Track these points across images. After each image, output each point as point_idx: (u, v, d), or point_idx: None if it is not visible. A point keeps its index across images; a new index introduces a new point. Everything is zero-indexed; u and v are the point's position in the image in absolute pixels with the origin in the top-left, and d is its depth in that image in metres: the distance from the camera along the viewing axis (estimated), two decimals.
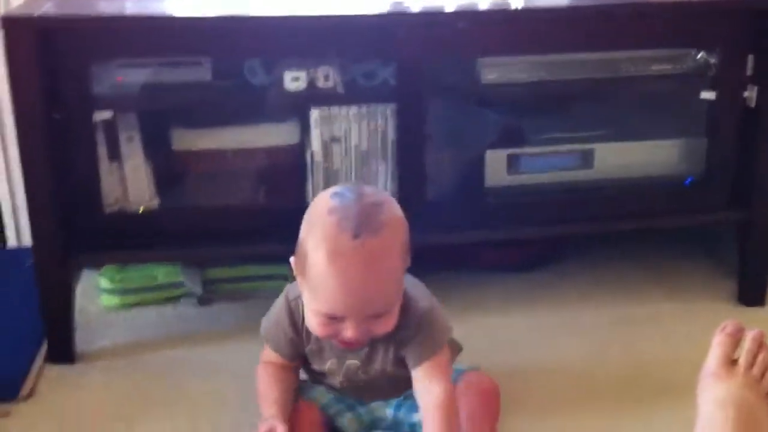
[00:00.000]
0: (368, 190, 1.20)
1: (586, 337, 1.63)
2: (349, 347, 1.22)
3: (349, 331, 1.16)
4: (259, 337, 1.33)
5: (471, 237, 1.63)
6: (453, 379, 1.27)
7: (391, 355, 1.25)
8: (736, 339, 1.18)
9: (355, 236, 1.12)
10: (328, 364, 1.28)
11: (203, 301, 1.75)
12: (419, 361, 1.24)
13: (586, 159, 1.64)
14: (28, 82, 1.39)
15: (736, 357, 1.17)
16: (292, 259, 1.21)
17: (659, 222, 1.71)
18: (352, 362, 1.27)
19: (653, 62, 1.58)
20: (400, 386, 1.30)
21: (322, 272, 1.13)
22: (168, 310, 1.74)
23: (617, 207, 1.66)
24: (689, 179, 1.67)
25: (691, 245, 1.97)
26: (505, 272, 1.85)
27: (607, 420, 1.39)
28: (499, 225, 1.62)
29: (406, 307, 1.23)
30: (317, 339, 1.26)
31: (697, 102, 1.62)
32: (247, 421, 1.38)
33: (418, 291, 1.27)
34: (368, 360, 1.26)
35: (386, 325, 1.19)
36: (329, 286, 1.13)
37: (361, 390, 1.31)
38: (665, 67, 1.59)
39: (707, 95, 1.60)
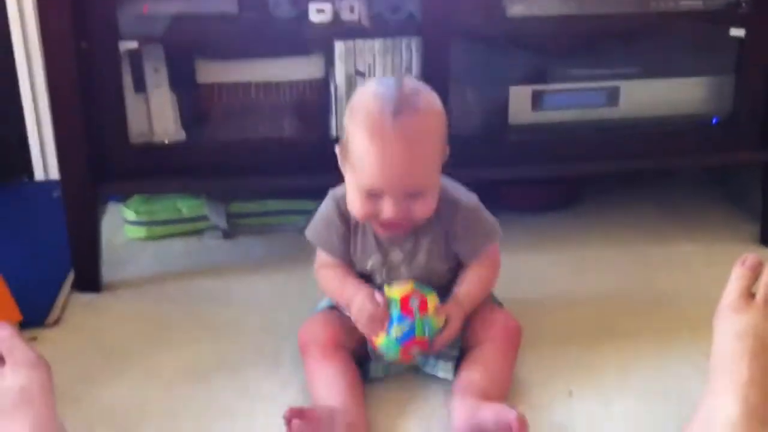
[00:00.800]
0: (409, 80, 1.27)
1: (607, 274, 1.63)
2: (390, 230, 1.26)
3: (387, 209, 1.21)
4: (307, 244, 1.36)
5: (494, 174, 1.62)
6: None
7: (436, 248, 1.30)
8: (755, 272, 1.18)
9: (395, 113, 1.19)
10: (371, 262, 1.31)
11: (227, 234, 1.77)
12: (474, 255, 1.32)
13: (612, 97, 1.62)
14: (56, 9, 1.39)
15: (754, 291, 1.18)
16: (336, 148, 1.28)
17: (684, 161, 1.70)
18: (396, 256, 1.30)
19: None
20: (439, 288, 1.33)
21: (363, 146, 1.20)
22: (192, 242, 1.76)
23: (642, 146, 1.64)
24: (716, 118, 1.65)
25: (713, 187, 1.96)
26: (527, 212, 1.85)
27: (624, 351, 1.40)
28: (523, 163, 1.62)
29: (452, 201, 1.29)
30: (362, 233, 1.30)
31: (726, 39, 1.59)
32: (268, 349, 1.41)
33: (462, 190, 1.32)
34: (412, 253, 1.30)
35: (424, 207, 1.23)
36: (370, 157, 1.19)
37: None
38: (695, 3, 1.56)
39: (737, 32, 1.57)
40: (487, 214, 1.33)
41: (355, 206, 1.25)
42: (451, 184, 1.32)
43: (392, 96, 1.21)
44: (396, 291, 1.26)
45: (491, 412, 1.18)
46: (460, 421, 1.20)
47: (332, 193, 1.33)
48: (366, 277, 1.33)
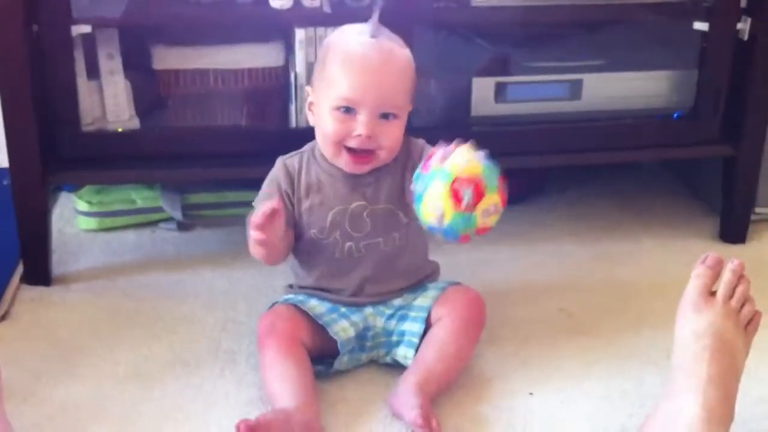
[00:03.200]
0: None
1: (569, 269, 1.63)
2: (358, 161, 1.28)
3: (360, 126, 1.25)
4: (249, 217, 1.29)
5: None
6: (436, 294, 1.34)
7: (396, 190, 1.31)
8: (715, 271, 1.18)
9: (373, 36, 1.27)
10: (331, 215, 1.31)
11: (182, 226, 1.73)
12: None
13: (575, 89, 1.61)
14: None
15: (715, 289, 1.18)
16: (307, 88, 1.35)
17: (646, 155, 1.70)
18: (358, 204, 1.31)
19: None
20: (396, 263, 1.34)
21: (341, 62, 1.26)
22: (146, 234, 1.72)
23: (604, 139, 1.64)
24: (678, 113, 1.65)
25: (675, 182, 1.96)
26: None
27: (586, 349, 1.40)
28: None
29: (408, 142, 1.34)
30: (318, 189, 1.32)
31: (689, 33, 1.59)
32: (224, 346, 1.38)
33: None
34: (373, 198, 1.31)
35: (392, 134, 1.28)
36: (348, 70, 1.25)
37: (358, 268, 1.33)
38: None
39: (700, 26, 1.57)
40: None
41: (328, 132, 1.27)
42: None
43: (370, 26, 1.28)
44: (456, 167, 1.12)
45: (398, 403, 1.22)
46: (390, 399, 1.24)
47: (280, 157, 1.35)
48: (323, 240, 1.32)
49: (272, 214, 1.20)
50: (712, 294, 1.17)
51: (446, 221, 1.12)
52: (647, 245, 1.72)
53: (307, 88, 1.34)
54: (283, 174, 1.33)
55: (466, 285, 1.38)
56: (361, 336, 1.32)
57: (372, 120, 1.25)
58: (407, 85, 1.30)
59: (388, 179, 1.32)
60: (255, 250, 1.28)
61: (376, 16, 1.29)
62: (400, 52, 1.29)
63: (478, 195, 1.12)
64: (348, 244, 1.32)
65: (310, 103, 1.32)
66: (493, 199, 1.13)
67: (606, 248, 1.70)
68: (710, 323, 1.14)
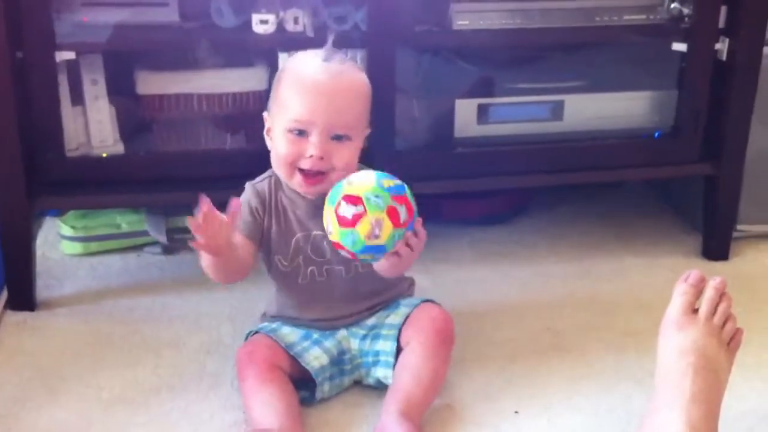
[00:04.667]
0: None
1: (553, 288, 1.64)
2: (310, 182, 1.27)
3: (312, 147, 1.25)
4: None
5: (440, 187, 1.62)
6: (408, 312, 1.34)
7: None
8: (698, 289, 1.19)
9: (326, 60, 1.29)
10: (294, 242, 1.32)
11: (167, 250, 1.73)
12: None
13: (556, 110, 1.63)
14: None
15: (697, 306, 1.18)
16: (264, 114, 1.34)
17: (628, 174, 1.71)
18: (317, 232, 1.30)
19: (626, 12, 1.56)
20: (359, 286, 1.34)
21: (294, 85, 1.27)
22: (131, 258, 1.72)
23: (586, 159, 1.65)
24: (658, 132, 1.67)
25: (657, 200, 1.98)
26: (471, 225, 1.85)
27: (571, 367, 1.40)
28: (469, 176, 1.61)
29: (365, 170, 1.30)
30: (284, 215, 1.33)
31: (668, 54, 1.61)
32: (209, 369, 1.38)
33: None
34: None
35: (346, 155, 1.27)
36: (300, 92, 1.26)
37: (322, 293, 1.33)
38: (638, 17, 1.57)
39: (679, 47, 1.59)
40: None
41: (280, 153, 1.28)
42: None
43: (324, 51, 1.30)
44: (345, 188, 1.18)
45: None
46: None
47: (249, 182, 1.36)
48: (287, 268, 1.33)
49: (209, 212, 1.17)
50: (695, 311, 1.18)
51: (333, 237, 1.18)
52: (630, 263, 1.73)
53: (264, 114, 1.34)
54: (253, 194, 1.34)
55: (435, 302, 1.37)
56: (338, 361, 1.32)
57: (323, 141, 1.26)
58: (360, 107, 1.30)
59: None
60: (202, 260, 1.26)
61: (330, 41, 1.30)
62: (352, 74, 1.30)
63: (358, 214, 1.16)
64: (310, 268, 1.33)
65: (268, 129, 1.33)
66: (376, 216, 1.16)
67: (590, 266, 1.71)
68: (693, 340, 1.15)
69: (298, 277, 1.33)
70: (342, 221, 1.16)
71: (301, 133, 1.26)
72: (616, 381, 1.37)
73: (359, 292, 1.35)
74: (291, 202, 1.33)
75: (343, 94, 1.27)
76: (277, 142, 1.29)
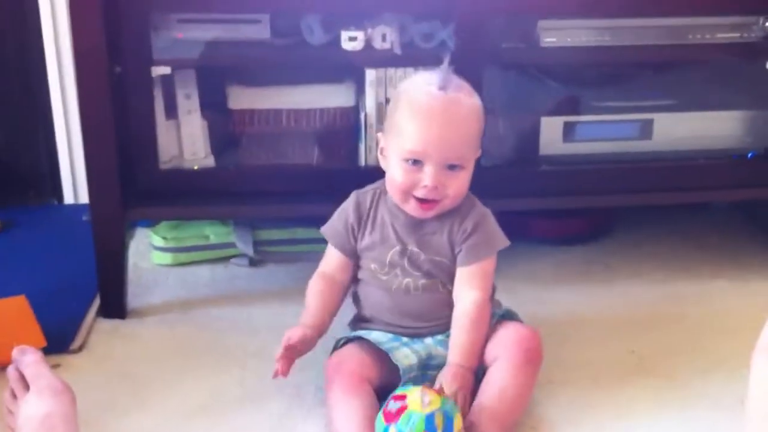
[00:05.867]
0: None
1: (638, 310, 1.61)
2: (424, 208, 1.31)
3: (427, 177, 1.28)
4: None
5: (524, 205, 1.61)
6: (492, 322, 1.34)
7: (448, 240, 1.34)
8: None
9: (441, 88, 1.29)
10: (390, 254, 1.34)
11: (254, 262, 1.76)
12: (469, 260, 1.33)
13: (645, 129, 1.60)
14: (90, 33, 1.40)
15: None
16: (378, 134, 1.39)
17: (718, 196, 1.68)
18: (413, 245, 1.34)
19: (719, 30, 1.53)
20: (446, 307, 1.34)
21: (410, 114, 1.29)
22: (219, 269, 1.75)
23: (675, 180, 1.62)
24: (752, 153, 1.63)
25: (746, 222, 1.93)
26: (555, 244, 1.83)
27: (657, 392, 1.37)
28: (553, 194, 1.60)
29: (471, 202, 1.36)
30: (381, 227, 1.35)
31: (762, 72, 1.57)
32: (292, 381, 1.39)
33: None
34: (428, 246, 1.34)
35: (458, 184, 1.30)
36: (416, 123, 1.28)
37: (412, 307, 1.35)
38: (731, 35, 1.54)
39: None
40: (495, 223, 1.37)
41: (396, 180, 1.31)
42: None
43: (440, 75, 1.31)
44: (418, 404, 1.16)
45: None
46: None
47: (356, 191, 1.40)
48: (382, 275, 1.35)
49: (290, 349, 1.28)
50: None
51: None
52: (719, 286, 1.69)
53: (378, 135, 1.38)
54: (353, 207, 1.37)
55: (520, 320, 1.37)
56: (425, 365, 1.32)
57: (438, 172, 1.28)
58: (474, 136, 1.32)
59: (445, 234, 1.34)
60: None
61: (445, 64, 1.32)
62: (467, 102, 1.31)
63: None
64: (406, 280, 1.35)
65: (381, 149, 1.35)
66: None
67: (675, 289, 1.68)
68: None
69: (393, 284, 1.35)
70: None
71: (416, 162, 1.29)
72: (702, 407, 1.34)
73: (451, 305, 1.35)
74: (392, 216, 1.35)
75: (457, 125, 1.29)
76: (392, 169, 1.32)
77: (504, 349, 1.30)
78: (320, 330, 1.34)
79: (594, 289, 1.68)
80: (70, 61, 1.85)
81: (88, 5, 1.38)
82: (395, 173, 1.31)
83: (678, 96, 1.63)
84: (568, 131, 1.59)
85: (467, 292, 1.33)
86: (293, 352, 1.28)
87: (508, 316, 1.38)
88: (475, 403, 1.26)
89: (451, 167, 1.29)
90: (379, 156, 1.36)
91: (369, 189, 1.39)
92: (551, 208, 1.68)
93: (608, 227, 1.88)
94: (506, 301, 1.43)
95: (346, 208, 1.38)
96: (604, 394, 1.37)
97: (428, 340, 1.35)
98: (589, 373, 1.42)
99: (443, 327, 1.35)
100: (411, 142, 1.28)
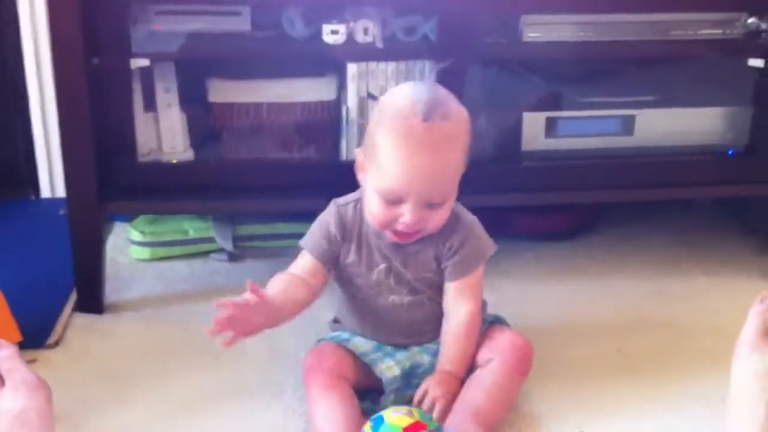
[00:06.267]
0: (440, 87, 1.27)
1: (622, 308, 1.61)
2: (402, 239, 1.25)
3: (407, 215, 1.21)
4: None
5: (506, 201, 1.61)
6: (481, 329, 1.32)
7: (434, 257, 1.29)
8: None
9: (425, 119, 1.19)
10: (376, 273, 1.30)
11: (233, 257, 1.75)
12: (457, 276, 1.30)
13: (627, 125, 1.60)
14: (68, 25, 1.38)
15: None
16: (357, 150, 1.29)
17: (700, 192, 1.68)
18: (399, 263, 1.29)
19: (702, 26, 1.53)
20: (440, 314, 1.32)
21: (390, 148, 1.20)
22: (198, 264, 1.74)
23: (657, 176, 1.62)
24: (732, 150, 1.63)
25: (730, 218, 1.93)
26: (539, 240, 1.83)
27: (642, 389, 1.37)
28: (535, 190, 1.60)
29: (455, 215, 1.29)
30: (366, 245, 1.30)
31: (744, 70, 1.58)
32: (272, 377, 1.38)
33: (461, 206, 1.32)
34: (414, 259, 1.29)
35: (439, 217, 1.24)
36: (397, 160, 1.20)
37: (398, 323, 1.32)
38: (714, 32, 1.54)
39: (756, 63, 1.56)
40: (482, 232, 1.33)
41: (374, 212, 1.24)
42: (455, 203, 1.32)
43: (424, 99, 1.21)
44: (397, 419, 1.15)
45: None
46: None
47: (335, 201, 1.33)
48: (368, 291, 1.32)
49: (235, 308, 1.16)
50: None
51: None
52: (703, 283, 1.69)
53: (357, 150, 1.29)
54: (336, 220, 1.31)
55: (512, 327, 1.36)
56: (408, 374, 1.31)
57: (418, 209, 1.22)
58: (459, 168, 1.25)
59: (430, 251, 1.29)
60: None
61: (433, 77, 1.27)
62: (453, 132, 1.22)
63: None
64: (392, 297, 1.32)
65: (360, 165, 1.28)
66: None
67: (660, 286, 1.68)
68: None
69: (378, 301, 1.32)
70: None
71: (397, 197, 1.22)
72: (688, 404, 1.34)
73: (438, 318, 1.33)
74: (375, 234, 1.30)
75: (442, 164, 1.21)
76: (370, 198, 1.25)
77: (497, 353, 1.29)
78: (272, 307, 1.22)
79: (578, 285, 1.68)
80: (48, 53, 1.83)
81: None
82: (373, 204, 1.24)
83: (660, 92, 1.63)
84: (551, 127, 1.59)
85: (458, 306, 1.30)
86: (237, 320, 1.18)
87: (498, 322, 1.37)
88: (461, 398, 1.25)
89: (432, 205, 1.23)
90: (357, 172, 1.29)
91: (349, 201, 1.32)
92: (534, 204, 1.68)
93: (592, 223, 1.88)
94: (490, 298, 1.43)
95: (327, 221, 1.31)
96: (589, 391, 1.36)
97: (414, 349, 1.34)
98: (574, 369, 1.42)
99: (429, 338, 1.34)
100: (391, 181, 1.20)
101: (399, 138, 1.20)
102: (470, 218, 1.32)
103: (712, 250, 1.81)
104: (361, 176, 1.29)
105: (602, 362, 1.44)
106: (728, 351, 1.15)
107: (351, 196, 1.32)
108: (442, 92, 1.25)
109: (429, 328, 1.33)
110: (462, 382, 1.27)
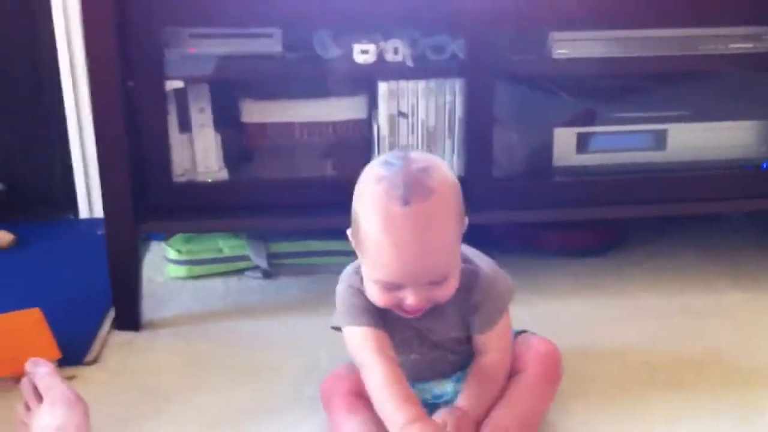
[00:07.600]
0: (415, 155, 1.17)
1: (654, 323, 1.59)
2: (412, 315, 1.20)
3: (409, 299, 1.15)
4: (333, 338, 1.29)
5: (537, 217, 1.61)
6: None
7: (456, 316, 1.24)
8: None
9: (405, 203, 1.10)
10: (401, 337, 1.24)
11: (267, 274, 1.77)
12: (483, 330, 1.25)
13: (659, 140, 1.60)
14: (104, 48, 1.41)
15: None
16: (348, 231, 1.21)
17: (733, 207, 1.67)
18: (423, 326, 1.24)
19: (731, 40, 1.53)
20: (467, 361, 1.29)
21: (376, 242, 1.12)
22: (233, 282, 1.76)
23: (689, 190, 1.61)
24: (766, 163, 1.62)
25: (758, 234, 1.91)
26: (569, 256, 1.82)
27: (674, 405, 1.36)
28: (567, 205, 1.60)
29: (472, 270, 1.22)
30: (387, 312, 1.23)
31: None
32: (307, 393, 1.39)
33: (481, 258, 1.27)
34: (438, 320, 1.23)
35: (447, 290, 1.17)
36: (385, 255, 1.12)
37: (428, 365, 1.29)
38: (744, 46, 1.53)
39: None
40: (501, 281, 1.27)
41: (374, 298, 1.18)
42: (468, 250, 1.26)
43: (399, 181, 1.11)
44: None
45: None
46: None
47: (343, 278, 1.25)
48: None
49: None
50: None
51: None
52: (734, 298, 1.67)
53: (348, 232, 1.20)
54: (356, 289, 1.22)
55: (540, 335, 1.35)
56: (432, 405, 1.27)
57: (421, 291, 1.14)
58: (455, 237, 1.16)
59: (454, 308, 1.23)
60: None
61: (404, 170, 1.13)
62: (438, 206, 1.12)
63: None
64: (414, 356, 1.27)
65: (354, 245, 1.20)
66: None
67: (690, 301, 1.66)
68: None
69: (399, 358, 1.24)
70: None
71: (394, 286, 1.15)
72: (720, 420, 1.32)
73: (457, 364, 1.30)
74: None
75: (433, 247, 1.12)
76: (368, 283, 1.18)
77: (525, 364, 1.28)
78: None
79: (607, 301, 1.67)
80: (84, 76, 1.87)
81: (101, 21, 1.40)
82: (371, 290, 1.17)
83: (691, 106, 1.63)
84: (582, 142, 1.59)
85: (487, 354, 1.26)
86: None
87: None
88: (489, 417, 1.23)
89: (434, 283, 1.15)
90: (353, 244, 1.20)
91: (355, 273, 1.23)
92: (565, 219, 1.68)
93: (622, 239, 1.87)
94: (520, 313, 1.43)
95: (352, 299, 1.21)
96: (618, 407, 1.35)
97: (434, 382, 1.30)
98: (603, 386, 1.41)
99: (453, 371, 1.30)
100: (383, 273, 1.13)
101: (381, 229, 1.11)
102: (487, 270, 1.24)
103: (742, 265, 1.79)
104: (353, 244, 1.21)
105: (632, 378, 1.43)
106: (759, 366, 1.14)
107: (352, 269, 1.24)
108: (419, 164, 1.14)
109: (451, 369, 1.29)
110: (477, 424, 1.22)
